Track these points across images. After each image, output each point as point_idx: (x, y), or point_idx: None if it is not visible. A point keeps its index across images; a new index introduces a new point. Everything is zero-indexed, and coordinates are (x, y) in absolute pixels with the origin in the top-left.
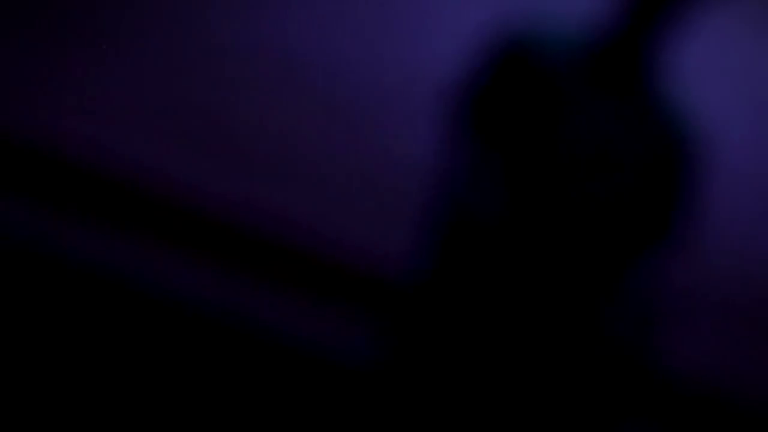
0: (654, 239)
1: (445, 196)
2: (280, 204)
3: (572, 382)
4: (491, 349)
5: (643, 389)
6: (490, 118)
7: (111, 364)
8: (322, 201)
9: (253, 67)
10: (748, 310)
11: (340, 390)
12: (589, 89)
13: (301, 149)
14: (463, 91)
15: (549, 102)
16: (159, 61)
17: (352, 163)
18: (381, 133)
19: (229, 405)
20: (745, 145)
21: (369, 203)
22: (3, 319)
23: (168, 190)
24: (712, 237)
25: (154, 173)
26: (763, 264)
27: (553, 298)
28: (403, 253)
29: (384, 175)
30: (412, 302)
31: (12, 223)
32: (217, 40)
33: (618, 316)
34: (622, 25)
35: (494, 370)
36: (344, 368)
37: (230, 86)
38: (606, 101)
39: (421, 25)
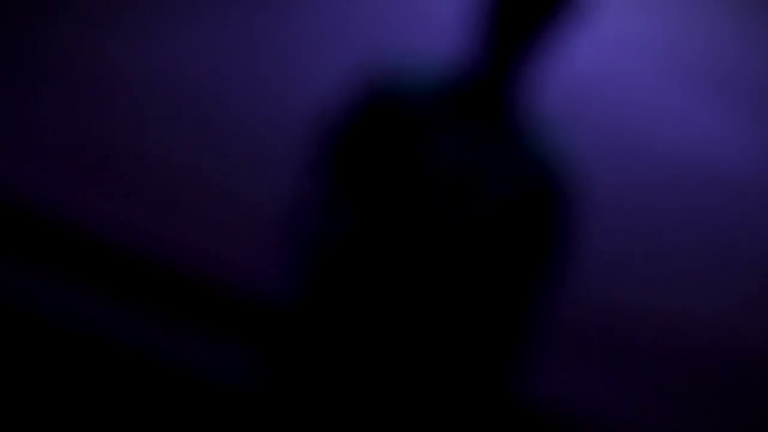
0: (524, 268)
1: (303, 227)
2: (166, 230)
3: (442, 403)
4: (362, 370)
5: (505, 412)
6: (348, 154)
7: None
8: (201, 227)
9: (147, 96)
10: (614, 339)
11: (220, 413)
12: (453, 123)
13: (191, 177)
14: (326, 128)
15: (411, 135)
16: (54, 93)
17: (239, 191)
18: (269, 162)
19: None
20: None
21: (248, 231)
22: None
23: (54, 215)
24: (582, 269)
25: (49, 203)
26: (629, 298)
27: (415, 322)
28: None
29: (267, 204)
30: (285, 326)
31: None
32: (112, 69)
33: (484, 340)
34: (484, 61)
35: (367, 391)
36: (225, 391)
37: (124, 115)
38: (469, 134)
39: (306, 65)
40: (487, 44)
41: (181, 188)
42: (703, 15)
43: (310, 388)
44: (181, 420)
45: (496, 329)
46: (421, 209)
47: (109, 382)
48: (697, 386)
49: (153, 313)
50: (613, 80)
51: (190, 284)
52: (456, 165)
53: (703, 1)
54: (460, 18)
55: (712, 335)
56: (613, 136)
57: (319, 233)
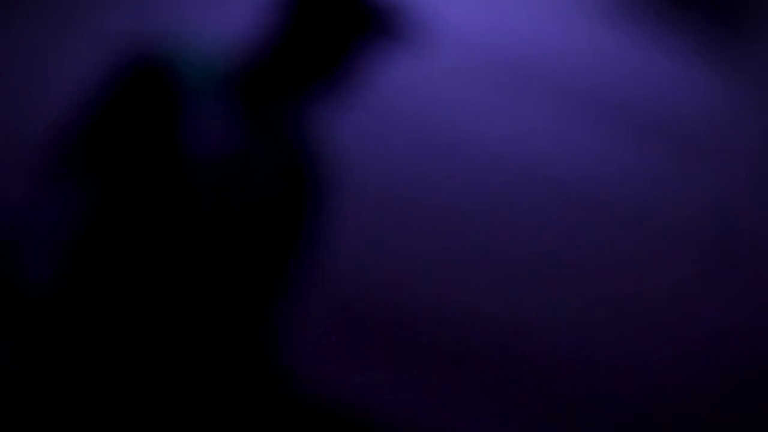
0: (290, 249)
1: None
2: None
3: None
4: (116, 355)
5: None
6: (103, 138)
7: None
8: None
9: None
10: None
11: None
12: (221, 110)
13: None
14: (80, 111)
15: (174, 121)
16: None
17: None
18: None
19: None
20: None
21: None
22: None
23: None
24: (340, 250)
25: None
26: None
27: (172, 309)
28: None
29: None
30: (37, 312)
31: None
32: None
33: (255, 320)
34: (262, 46)
35: (123, 375)
36: None
37: None
38: (241, 124)
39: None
40: (275, 31)
41: None
42: (538, 16)
43: (64, 373)
44: None
45: (251, 314)
46: (183, 198)
47: None
48: (499, 386)
49: None
50: (431, 80)
51: None
52: (222, 156)
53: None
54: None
55: (516, 335)
56: (429, 134)
57: (65, 218)
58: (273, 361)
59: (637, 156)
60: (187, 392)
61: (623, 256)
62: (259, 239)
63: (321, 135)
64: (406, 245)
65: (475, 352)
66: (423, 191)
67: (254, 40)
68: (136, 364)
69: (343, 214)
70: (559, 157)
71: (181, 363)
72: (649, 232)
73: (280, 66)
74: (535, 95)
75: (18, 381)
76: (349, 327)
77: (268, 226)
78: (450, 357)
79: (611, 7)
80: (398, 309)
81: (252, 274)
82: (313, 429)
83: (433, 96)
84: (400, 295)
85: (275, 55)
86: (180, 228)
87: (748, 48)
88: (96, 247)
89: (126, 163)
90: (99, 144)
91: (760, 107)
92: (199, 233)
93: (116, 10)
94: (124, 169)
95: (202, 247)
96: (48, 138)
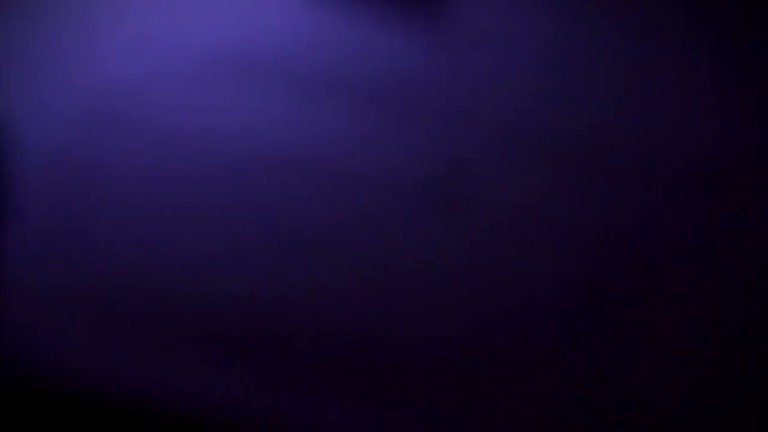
0: None
1: None
2: None
3: None
4: None
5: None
6: None
7: None
8: None
9: None
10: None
11: None
12: None
13: None
14: None
15: None
16: None
17: None
18: None
19: None
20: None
21: None
22: None
23: None
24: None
25: None
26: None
27: None
28: None
29: None
30: None
31: None
32: None
33: None
34: None
35: None
36: None
37: None
38: None
39: None
40: None
41: None
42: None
43: None
44: None
45: None
46: None
47: None
48: (327, 374)
49: None
50: (161, 81)
51: None
52: None
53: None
54: None
55: (295, 319)
56: (164, 136)
57: None
58: None
59: (367, 127)
60: None
61: (376, 221)
62: None
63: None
64: (147, 241)
65: (259, 342)
66: (164, 189)
67: None
68: None
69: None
70: (296, 139)
71: None
72: (391, 194)
73: None
74: (262, 85)
75: None
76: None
77: None
78: (222, 343)
79: None
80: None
81: None
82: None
83: (157, 99)
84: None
85: None
86: None
87: (455, 13)
88: None
89: None
90: None
91: (468, 67)
92: None
93: None
94: None
95: None
96: None
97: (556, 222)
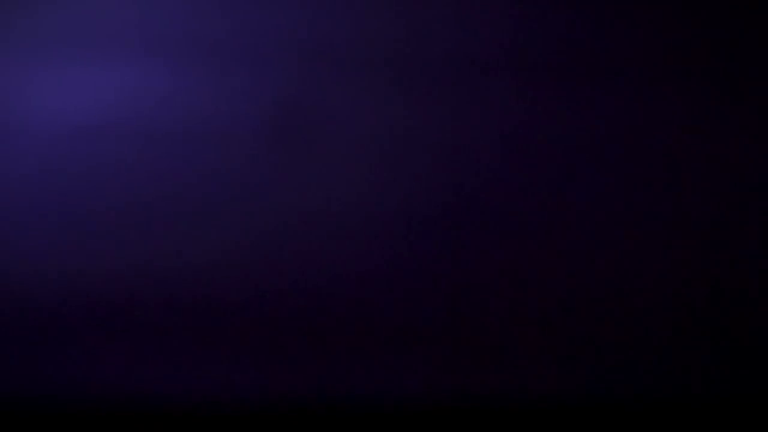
0: None
1: None
2: None
3: None
4: None
5: None
6: None
7: None
8: None
9: None
10: None
11: None
12: None
13: None
14: None
15: None
16: None
17: None
18: None
19: None
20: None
21: None
22: None
23: None
24: None
25: None
26: None
27: None
28: None
29: None
30: None
31: None
32: None
33: None
34: None
35: None
36: None
37: None
38: None
39: None
40: None
41: None
42: None
43: None
44: None
45: None
46: None
47: None
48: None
49: None
50: None
51: None
52: None
53: None
54: None
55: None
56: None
57: None
58: None
59: (190, 81)
60: None
61: (219, 176)
62: None
63: None
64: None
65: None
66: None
67: None
68: None
69: None
70: (119, 106)
71: None
72: (229, 146)
73: None
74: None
75: None
76: None
77: None
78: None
79: None
80: None
81: None
82: None
83: None
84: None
85: None
86: None
87: None
88: None
89: None
90: None
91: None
92: None
93: None
94: None
95: None
96: None
97: (402, 138)
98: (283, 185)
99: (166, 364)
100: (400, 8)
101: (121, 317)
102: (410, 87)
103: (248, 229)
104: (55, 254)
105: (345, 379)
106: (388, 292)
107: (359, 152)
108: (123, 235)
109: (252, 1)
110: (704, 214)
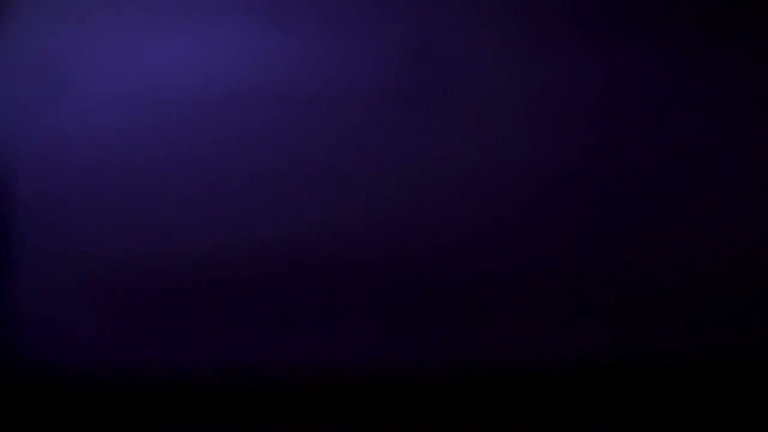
0: None
1: None
2: None
3: None
4: None
5: None
6: None
7: None
8: None
9: None
10: None
11: None
12: None
13: None
14: None
15: None
16: None
17: None
18: None
19: None
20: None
21: None
22: None
23: None
24: None
25: None
26: None
27: None
28: None
29: None
30: None
31: None
32: None
33: None
34: None
35: None
36: None
37: None
38: None
39: None
40: None
41: None
42: None
43: None
44: None
45: None
46: None
47: None
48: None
49: None
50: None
51: None
52: None
53: None
54: None
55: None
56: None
57: None
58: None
59: (322, 42)
60: None
61: (356, 137)
62: None
63: None
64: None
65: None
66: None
67: None
68: None
69: None
70: (251, 70)
71: None
72: (363, 108)
73: None
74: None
75: None
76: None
77: None
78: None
79: None
80: None
81: None
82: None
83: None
84: None
85: None
86: None
87: None
88: None
89: None
90: None
91: None
92: None
93: None
94: None
95: None
96: None
97: (542, 98)
98: (413, 146)
99: (326, 332)
100: None
101: (268, 286)
102: (560, 33)
103: (379, 192)
104: (205, 226)
105: (516, 345)
106: (524, 251)
107: (500, 108)
108: (262, 203)
109: None
110: None
